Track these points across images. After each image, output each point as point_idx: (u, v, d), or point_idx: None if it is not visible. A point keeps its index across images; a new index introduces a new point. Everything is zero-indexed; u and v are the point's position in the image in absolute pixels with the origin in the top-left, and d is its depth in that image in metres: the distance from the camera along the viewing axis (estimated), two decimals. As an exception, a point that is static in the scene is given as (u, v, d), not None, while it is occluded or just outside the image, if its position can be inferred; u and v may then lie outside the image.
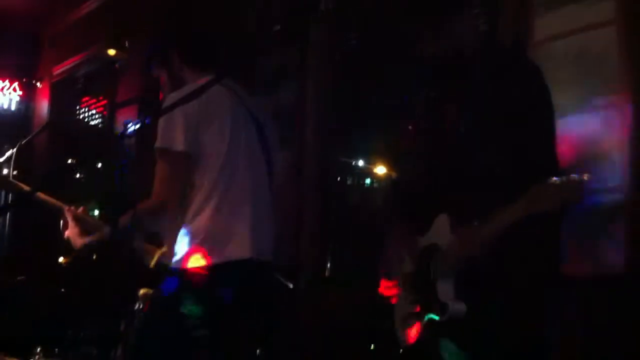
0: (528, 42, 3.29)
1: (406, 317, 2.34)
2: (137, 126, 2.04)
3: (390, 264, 2.46)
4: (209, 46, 2.82)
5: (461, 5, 2.29)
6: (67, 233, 2.57)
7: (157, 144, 2.49)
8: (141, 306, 3.66)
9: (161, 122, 2.48)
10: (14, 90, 7.81)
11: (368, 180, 4.50)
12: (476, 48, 2.31)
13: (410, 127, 2.47)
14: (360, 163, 4.19)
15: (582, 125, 3.01)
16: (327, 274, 4.39)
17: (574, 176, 1.77)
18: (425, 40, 2.28)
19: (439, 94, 2.37)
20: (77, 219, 2.56)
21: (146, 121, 2.23)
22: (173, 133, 2.46)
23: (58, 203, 2.66)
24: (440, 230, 2.21)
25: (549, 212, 1.82)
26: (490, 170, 2.15)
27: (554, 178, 1.80)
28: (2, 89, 7.76)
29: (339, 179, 4.61)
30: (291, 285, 3.54)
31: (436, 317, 2.15)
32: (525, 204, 1.89)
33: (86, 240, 2.54)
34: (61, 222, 2.61)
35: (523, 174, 2.04)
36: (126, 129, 1.98)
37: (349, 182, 4.63)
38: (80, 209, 2.60)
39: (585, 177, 1.77)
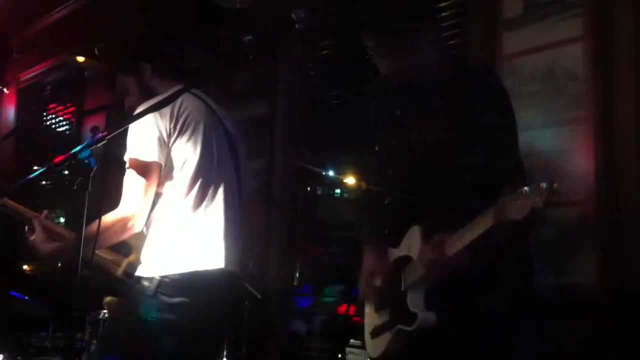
0: (496, 57, 3.33)
1: (376, 327, 2.35)
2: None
3: (361, 275, 2.47)
4: (181, 57, 2.82)
5: (425, 20, 2.31)
6: (32, 239, 2.52)
7: (128, 153, 2.46)
8: (106, 315, 3.63)
9: (132, 131, 2.46)
10: (-20, 96, 7.70)
11: (338, 191, 4.51)
12: (442, 63, 2.33)
13: (379, 140, 2.49)
14: (331, 173, 4.20)
15: (550, 139, 3.05)
16: (295, 283, 4.39)
17: (542, 184, 1.79)
18: (391, 55, 2.30)
19: (405, 108, 2.39)
20: (44, 226, 2.51)
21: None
22: (144, 143, 2.44)
23: (24, 210, 2.62)
24: (412, 241, 2.23)
25: (519, 221, 1.82)
26: (459, 181, 2.18)
27: (524, 188, 1.81)
28: (-32, 94, 7.65)
29: (308, 189, 4.62)
30: (260, 296, 3.54)
31: (406, 328, 2.16)
32: (493, 214, 1.91)
33: (51, 247, 2.49)
34: (26, 228, 2.56)
35: (491, 183, 2.07)
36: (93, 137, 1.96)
37: (318, 192, 4.64)
38: (44, 214, 2.56)
39: (554, 185, 1.78)
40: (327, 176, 4.29)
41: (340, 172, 3.86)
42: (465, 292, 2.12)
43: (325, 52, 4.63)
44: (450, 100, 2.25)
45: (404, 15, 2.25)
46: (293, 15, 4.32)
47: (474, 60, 3.38)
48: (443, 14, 3.67)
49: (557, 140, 3.05)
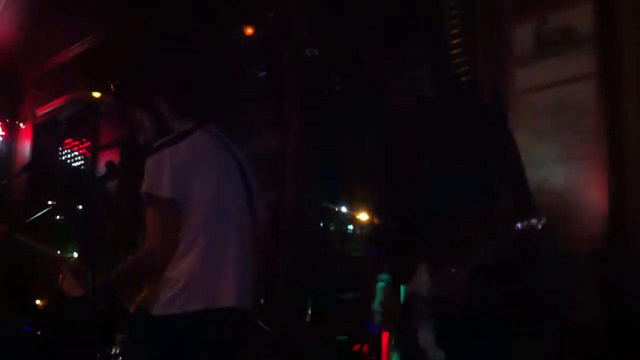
0: (508, 92, 3.35)
1: None
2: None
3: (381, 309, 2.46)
4: (197, 95, 2.84)
5: (424, 38, 2.32)
6: (64, 284, 2.55)
7: (144, 188, 2.48)
8: (118, 351, 3.62)
9: (149, 166, 2.48)
10: (-3, 130, 7.80)
11: (351, 227, 4.50)
12: (439, 80, 2.33)
13: (385, 168, 2.49)
14: (344, 209, 4.19)
15: (561, 175, 3.06)
16: (308, 320, 4.36)
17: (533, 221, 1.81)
18: (392, 85, 2.31)
19: (406, 138, 2.39)
20: (75, 270, 2.54)
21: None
22: (160, 179, 2.46)
23: (49, 250, 2.64)
24: (422, 279, 2.22)
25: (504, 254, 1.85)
26: (463, 214, 2.19)
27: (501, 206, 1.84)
28: (-16, 129, 7.76)
29: (321, 225, 4.61)
30: (269, 330, 3.52)
31: None
32: (479, 246, 1.93)
33: (82, 292, 2.52)
34: (60, 274, 2.59)
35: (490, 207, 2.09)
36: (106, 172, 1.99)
37: (331, 228, 4.63)
38: (74, 259, 2.60)
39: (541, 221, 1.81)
40: (338, 209, 4.28)
41: (354, 207, 3.86)
42: (474, 330, 2.11)
43: (337, 85, 4.66)
44: (448, 120, 2.25)
45: (402, 32, 2.27)
46: (307, 52, 4.37)
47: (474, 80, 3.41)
48: (452, 48, 3.70)
49: (567, 176, 3.06)
